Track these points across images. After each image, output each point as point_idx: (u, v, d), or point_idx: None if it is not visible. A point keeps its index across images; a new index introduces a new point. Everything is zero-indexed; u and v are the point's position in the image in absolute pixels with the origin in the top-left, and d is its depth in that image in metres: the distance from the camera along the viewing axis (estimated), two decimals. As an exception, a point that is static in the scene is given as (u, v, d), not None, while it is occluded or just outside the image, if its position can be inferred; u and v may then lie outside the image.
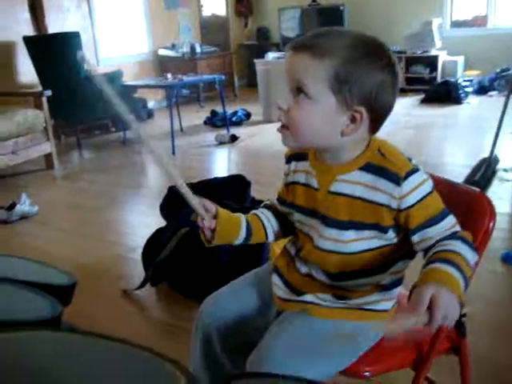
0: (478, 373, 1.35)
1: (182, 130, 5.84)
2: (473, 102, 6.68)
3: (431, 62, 7.43)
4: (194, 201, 1.09)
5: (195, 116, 6.44)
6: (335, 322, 1.08)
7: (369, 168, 1.02)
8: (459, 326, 1.15)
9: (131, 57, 6.94)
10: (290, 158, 1.17)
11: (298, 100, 0.98)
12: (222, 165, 4.97)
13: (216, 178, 2.99)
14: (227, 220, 1.13)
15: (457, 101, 6.60)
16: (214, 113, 6.11)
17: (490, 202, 1.08)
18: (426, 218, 0.99)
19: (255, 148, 4.94)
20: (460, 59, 7.46)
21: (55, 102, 4.74)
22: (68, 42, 5.08)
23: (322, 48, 0.94)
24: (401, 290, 1.22)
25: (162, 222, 2.59)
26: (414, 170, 0.99)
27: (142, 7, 7.10)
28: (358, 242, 1.04)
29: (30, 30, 5.52)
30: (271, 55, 6.38)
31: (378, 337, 1.13)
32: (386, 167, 1.00)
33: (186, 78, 5.34)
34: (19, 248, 2.89)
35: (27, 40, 5.14)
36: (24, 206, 3.37)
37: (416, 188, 0.98)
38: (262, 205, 1.29)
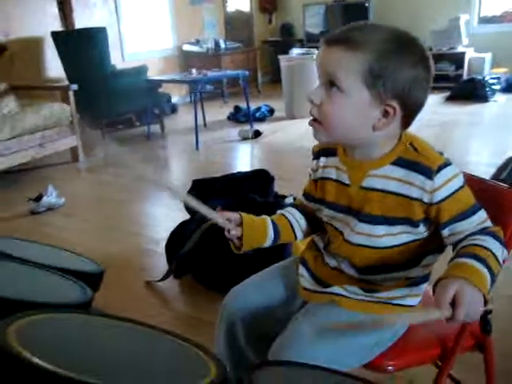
0: (502, 371, 1.33)
1: (205, 125, 5.87)
2: (500, 99, 6.57)
3: (457, 59, 7.32)
4: (218, 217, 1.11)
5: (219, 111, 6.46)
6: (362, 315, 1.09)
7: (401, 162, 1.02)
8: (484, 323, 1.14)
9: (156, 52, 7.00)
10: (318, 154, 1.17)
11: (330, 94, 0.98)
12: (245, 160, 4.98)
13: (240, 173, 3.00)
14: (252, 225, 1.14)
15: (483, 99, 6.49)
16: (237, 108, 6.13)
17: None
18: (457, 211, 0.98)
19: (278, 144, 4.95)
20: (487, 56, 7.33)
21: (81, 97, 4.81)
22: (94, 37, 5.15)
23: (356, 42, 0.94)
24: (427, 287, 1.22)
25: (185, 216, 2.61)
26: (447, 164, 0.99)
27: (167, 2, 7.15)
28: (390, 237, 1.04)
29: (57, 26, 5.60)
30: (295, 51, 6.36)
31: (402, 331, 1.14)
32: (418, 161, 1.00)
33: (210, 74, 5.37)
34: (45, 238, 2.94)
35: (55, 35, 5.21)
36: (51, 197, 3.43)
37: (448, 182, 0.98)
38: (287, 203, 1.29)
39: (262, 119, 5.99)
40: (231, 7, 8.36)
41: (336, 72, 0.96)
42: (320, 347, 1.03)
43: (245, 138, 5.20)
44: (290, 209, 1.26)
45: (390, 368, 1.12)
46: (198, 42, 7.48)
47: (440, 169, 0.98)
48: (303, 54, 6.18)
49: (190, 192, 2.84)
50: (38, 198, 3.39)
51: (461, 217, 0.98)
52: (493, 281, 0.91)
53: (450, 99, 6.73)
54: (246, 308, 1.20)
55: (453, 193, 0.98)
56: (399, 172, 1.02)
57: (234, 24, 8.42)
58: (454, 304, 0.84)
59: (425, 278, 1.13)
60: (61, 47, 5.20)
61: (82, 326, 0.64)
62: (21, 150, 4.11)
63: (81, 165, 4.64)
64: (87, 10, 5.97)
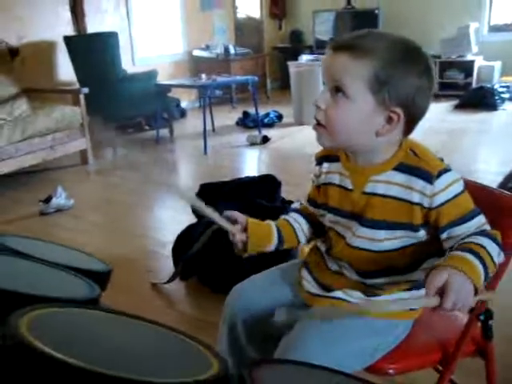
0: (505, 380, 1.34)
1: (214, 130, 5.90)
2: (509, 108, 6.56)
3: (466, 67, 7.32)
4: (224, 222, 1.14)
5: (227, 116, 6.50)
6: (363, 318, 1.10)
7: (402, 168, 1.04)
8: (486, 328, 1.16)
9: (166, 57, 7.06)
10: (321, 160, 1.19)
11: (335, 99, 1.00)
12: (252, 165, 5.01)
13: (247, 177, 3.03)
14: (257, 230, 1.17)
15: (492, 107, 6.49)
16: (246, 114, 6.16)
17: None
18: (456, 216, 1.00)
19: (286, 150, 4.97)
20: (497, 64, 7.33)
21: (92, 100, 4.86)
22: (106, 41, 5.21)
23: (362, 49, 0.96)
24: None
25: (192, 219, 2.64)
26: (447, 170, 1.01)
27: (178, 8, 7.21)
28: (391, 241, 1.06)
29: (70, 30, 5.67)
30: (304, 58, 6.40)
31: (404, 335, 1.15)
32: (419, 166, 1.02)
33: (219, 79, 5.41)
34: (54, 239, 2.94)
35: (67, 39, 5.28)
36: (60, 199, 3.47)
37: (448, 187, 1.00)
38: (291, 208, 1.31)
39: (270, 125, 6.01)
40: (241, 13, 8.42)
41: (342, 78, 0.98)
42: (323, 350, 1.05)
43: (253, 144, 5.23)
44: (293, 214, 1.28)
45: (391, 371, 1.13)
46: (207, 48, 7.53)
47: (440, 174, 1.00)
48: (312, 60, 6.21)
49: (197, 196, 2.87)
50: (48, 200, 3.43)
51: (460, 221, 1.00)
52: (486, 277, 0.93)
53: (458, 107, 6.73)
54: (247, 308, 1.22)
55: (452, 197, 1.00)
56: (400, 177, 1.04)
57: (244, 30, 8.47)
58: (443, 292, 0.86)
59: (426, 282, 1.14)
60: (73, 51, 5.26)
61: (90, 320, 0.66)
62: (31, 152, 4.16)
63: (90, 167, 4.69)
64: (99, 15, 6.03)
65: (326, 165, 1.18)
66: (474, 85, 7.15)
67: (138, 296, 2.33)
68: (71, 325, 0.63)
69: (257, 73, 7.29)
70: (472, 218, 1.00)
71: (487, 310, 1.14)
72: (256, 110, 5.54)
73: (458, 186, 1.01)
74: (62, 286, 0.80)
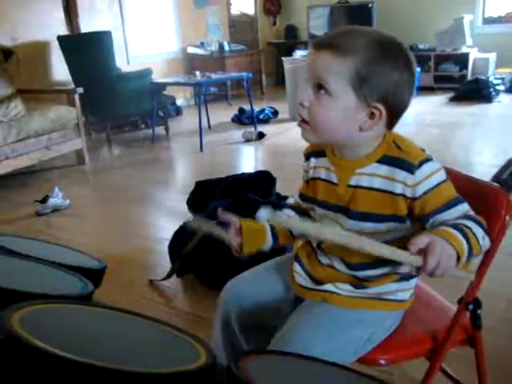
0: (494, 369, 1.36)
1: (209, 127, 5.91)
2: (504, 100, 6.58)
3: (461, 60, 7.33)
4: (218, 232, 1.18)
5: (223, 113, 6.51)
6: (353, 311, 1.12)
7: (385, 160, 1.06)
8: (474, 317, 1.17)
9: (161, 55, 7.06)
10: (308, 155, 1.21)
11: (318, 96, 1.02)
12: (248, 161, 5.02)
13: (243, 174, 3.05)
14: (251, 232, 1.19)
15: (487, 99, 6.50)
16: (241, 110, 6.17)
17: (505, 195, 1.10)
18: (439, 204, 1.02)
19: (281, 145, 4.98)
20: (492, 56, 7.34)
21: (87, 100, 4.87)
22: (100, 41, 5.21)
23: (344, 46, 0.98)
24: (418, 282, 1.25)
25: (189, 216, 2.66)
26: (428, 159, 1.03)
27: (171, 6, 7.20)
28: (378, 234, 1.07)
29: (63, 30, 5.67)
30: (299, 53, 6.42)
31: (394, 326, 1.17)
32: (401, 158, 1.04)
33: (214, 76, 5.41)
34: (52, 239, 2.98)
35: (61, 39, 5.28)
36: (56, 199, 3.48)
37: (429, 176, 1.01)
38: (285, 204, 1.33)
39: (265, 121, 6.03)
40: (235, 10, 8.41)
41: (324, 76, 1.00)
42: (316, 343, 1.07)
43: (248, 140, 5.25)
44: (286, 210, 1.30)
45: (382, 362, 1.15)
46: (202, 45, 7.53)
47: (421, 164, 1.02)
48: (307, 56, 6.22)
49: (193, 194, 2.89)
50: (44, 200, 3.44)
51: (443, 208, 1.02)
52: (470, 254, 0.95)
53: (454, 100, 6.75)
54: (241, 301, 1.24)
55: (434, 186, 1.02)
56: (384, 169, 1.05)
57: (239, 26, 8.47)
58: (425, 253, 0.89)
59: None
60: (67, 51, 5.26)
61: (82, 315, 0.68)
62: (27, 153, 4.16)
63: (86, 167, 4.70)
64: (92, 14, 6.03)
65: (313, 160, 1.20)
66: (469, 77, 7.16)
67: (135, 293, 2.35)
68: (63, 320, 0.65)
69: (252, 69, 7.29)
70: (455, 204, 1.02)
71: (476, 300, 1.16)
72: (251, 106, 5.55)
73: (440, 175, 1.03)
74: (56, 284, 0.82)
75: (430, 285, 1.37)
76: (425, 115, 5.97)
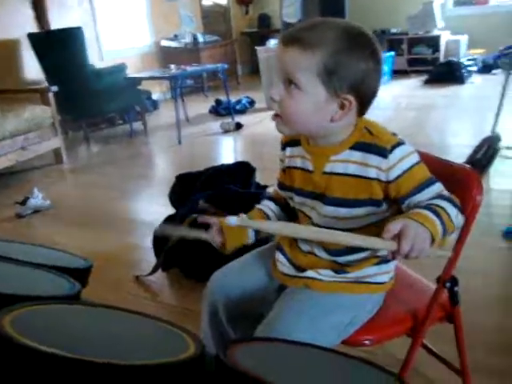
0: (473, 343, 1.42)
1: (187, 119, 5.90)
2: (476, 81, 6.68)
3: (434, 43, 7.43)
4: (199, 234, 1.19)
5: (200, 106, 6.50)
6: (335, 295, 1.16)
7: (358, 146, 1.09)
8: (452, 294, 1.22)
9: (134, 49, 7.00)
10: (284, 145, 1.24)
11: (289, 90, 1.05)
12: (227, 152, 5.03)
13: (222, 165, 3.05)
14: (232, 229, 1.20)
15: (460, 80, 6.60)
16: (218, 102, 6.17)
17: (476, 175, 1.14)
18: (414, 186, 1.05)
19: (259, 135, 5.01)
20: (463, 38, 7.44)
21: (61, 98, 4.82)
22: (71, 37, 5.14)
23: (310, 41, 1.00)
24: (398, 264, 1.29)
25: (171, 210, 2.67)
26: (399, 143, 1.06)
27: (143, -1, 7.14)
28: (355, 219, 1.11)
29: (33, 27, 5.59)
30: (273, 42, 6.41)
31: (376, 308, 1.21)
32: (373, 143, 1.07)
33: (189, 69, 5.40)
34: (33, 240, 2.96)
35: (32, 37, 5.20)
36: (37, 200, 3.46)
37: (402, 159, 1.05)
38: (264, 195, 1.36)
39: (243, 111, 6.04)
40: (207, 0, 8.36)
41: (293, 71, 1.02)
42: (300, 328, 1.10)
43: (226, 131, 5.26)
44: (266, 201, 1.33)
45: (367, 342, 1.19)
46: (175, 37, 7.49)
47: (393, 148, 1.05)
48: (281, 44, 6.22)
49: (174, 188, 2.89)
50: (24, 202, 3.42)
51: (418, 190, 1.05)
52: (445, 232, 0.99)
53: (428, 82, 6.83)
54: (227, 293, 1.27)
55: (408, 169, 1.05)
56: (357, 155, 1.09)
57: (211, 17, 8.43)
58: (399, 238, 0.92)
59: (393, 256, 1.20)
60: (38, 49, 5.19)
61: (72, 314, 0.70)
62: (3, 155, 4.11)
63: (65, 166, 4.66)
64: (62, 10, 5.94)
65: (288, 149, 1.23)
66: (441, 59, 7.26)
67: (121, 289, 2.36)
68: (53, 320, 0.66)
69: (226, 59, 7.28)
70: (429, 185, 1.06)
71: (453, 278, 1.20)
72: (228, 97, 5.56)
73: (413, 158, 1.06)
74: (42, 285, 0.83)
75: (409, 266, 1.41)
76: (400, 98, 6.04)
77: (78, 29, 5.22)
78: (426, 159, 1.10)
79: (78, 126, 5.75)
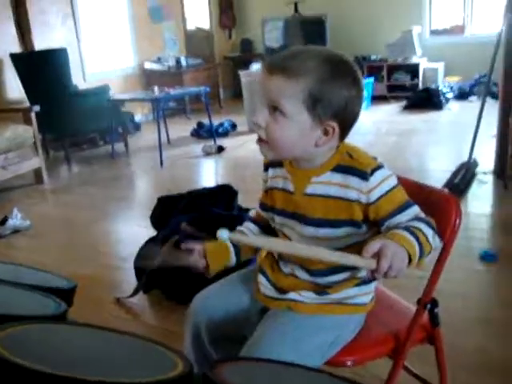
0: (454, 365, 1.44)
1: (169, 142, 5.92)
2: (453, 107, 6.85)
3: (412, 70, 7.60)
4: (185, 261, 1.21)
5: (182, 128, 6.52)
6: (317, 317, 1.17)
7: (339, 169, 1.12)
8: (432, 316, 1.24)
9: (118, 71, 7.02)
10: (267, 166, 1.27)
11: (274, 117, 1.07)
12: (209, 175, 5.05)
13: (204, 189, 3.07)
14: (214, 253, 1.24)
15: (438, 107, 6.76)
16: (200, 124, 6.20)
17: (454, 200, 1.18)
18: (393, 208, 1.09)
19: (241, 158, 5.04)
20: (440, 66, 7.63)
21: (43, 118, 4.79)
22: (55, 58, 5.15)
23: (294, 70, 1.03)
24: (378, 286, 1.32)
25: (152, 232, 2.67)
26: (379, 167, 1.10)
27: (127, 21, 7.19)
28: (335, 240, 1.13)
29: (16, 47, 5.58)
30: (255, 66, 6.50)
31: (358, 328, 1.23)
32: (354, 166, 1.11)
33: (172, 91, 5.43)
34: (14, 260, 2.94)
35: (14, 57, 5.20)
36: (15, 220, 3.42)
37: (382, 182, 1.09)
38: (246, 217, 1.38)
39: (224, 134, 6.07)
40: (191, 25, 8.46)
41: (278, 99, 1.05)
42: (284, 350, 1.10)
43: (208, 154, 5.28)
44: (247, 224, 1.35)
45: (349, 363, 1.21)
46: (159, 60, 7.54)
47: (374, 171, 1.09)
48: (263, 68, 6.30)
49: (155, 210, 2.89)
50: (3, 221, 3.38)
51: (396, 212, 1.09)
52: (422, 253, 1.02)
53: (407, 108, 6.98)
54: (210, 315, 1.27)
55: (387, 192, 1.09)
56: (338, 177, 1.12)
57: (195, 41, 8.52)
58: (378, 257, 0.95)
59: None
60: (21, 69, 5.18)
61: (60, 333, 0.70)
62: (-17, 174, 4.08)
63: (45, 186, 4.62)
64: (46, 31, 5.93)
65: (271, 170, 1.25)
66: (420, 86, 7.43)
67: (102, 311, 2.34)
68: (42, 339, 0.67)
69: (209, 83, 7.34)
70: (407, 208, 1.09)
71: (433, 300, 1.23)
72: (210, 120, 5.59)
73: (392, 181, 1.10)
74: (30, 305, 0.83)
75: (390, 288, 1.44)
76: (380, 124, 6.15)
77: (62, 50, 5.24)
78: (407, 184, 1.13)
79: (59, 145, 5.71)
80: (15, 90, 5.42)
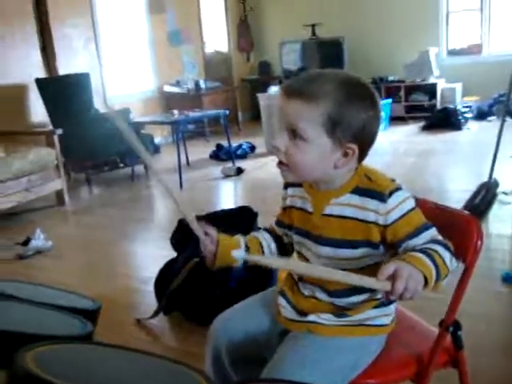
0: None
1: (188, 164, 5.98)
2: (472, 127, 6.82)
3: (430, 90, 7.61)
4: (199, 231, 1.21)
5: (201, 150, 6.59)
6: (337, 339, 1.17)
7: (358, 191, 1.14)
8: (456, 339, 1.23)
9: (138, 94, 7.15)
10: (286, 185, 1.29)
11: (294, 141, 1.09)
12: (228, 197, 5.08)
13: (223, 210, 3.09)
14: (227, 244, 1.24)
15: (457, 127, 6.73)
16: (219, 146, 6.26)
17: (475, 222, 1.17)
18: (410, 230, 1.09)
19: (260, 180, 5.07)
20: (458, 86, 7.63)
21: (66, 141, 4.90)
22: (78, 82, 5.29)
23: (312, 93, 1.05)
24: (398, 306, 1.31)
25: (172, 254, 2.68)
26: (398, 189, 1.11)
27: (147, 45, 7.34)
28: (353, 261, 1.14)
29: (41, 72, 5.74)
30: (273, 89, 6.56)
31: (379, 350, 1.22)
32: (372, 188, 1.12)
33: (191, 114, 5.51)
34: (36, 281, 2.98)
35: (39, 82, 5.34)
36: (38, 241, 3.47)
37: (400, 204, 1.09)
38: (262, 228, 1.39)
39: (243, 156, 6.12)
40: (210, 48, 8.61)
41: (298, 123, 1.07)
42: (304, 372, 1.10)
43: (227, 176, 5.32)
44: (263, 231, 1.36)
45: (371, 386, 1.20)
46: (178, 83, 7.67)
47: (392, 193, 1.10)
48: (281, 91, 6.36)
49: (176, 232, 2.92)
50: (26, 242, 3.43)
51: (414, 234, 1.09)
52: (438, 275, 1.02)
53: (425, 128, 6.97)
54: (231, 337, 1.28)
55: (405, 214, 1.09)
56: (357, 199, 1.13)
57: (213, 64, 8.65)
58: (393, 279, 0.95)
59: (394, 298, 1.22)
60: (45, 93, 5.32)
61: (88, 353, 0.72)
62: (7, 195, 4.15)
63: (67, 207, 4.70)
64: (69, 53, 6.07)
65: (290, 189, 1.27)
66: (438, 106, 7.43)
67: (122, 332, 2.35)
68: (71, 358, 0.69)
69: (228, 105, 7.43)
70: (424, 230, 1.10)
71: (456, 322, 1.22)
72: (229, 142, 5.65)
73: (409, 203, 1.11)
74: (58, 325, 0.85)
75: (410, 309, 1.43)
76: (398, 144, 6.15)
77: (85, 75, 5.37)
78: (427, 206, 1.14)
79: (80, 168, 5.81)
80: (38, 113, 5.56)
